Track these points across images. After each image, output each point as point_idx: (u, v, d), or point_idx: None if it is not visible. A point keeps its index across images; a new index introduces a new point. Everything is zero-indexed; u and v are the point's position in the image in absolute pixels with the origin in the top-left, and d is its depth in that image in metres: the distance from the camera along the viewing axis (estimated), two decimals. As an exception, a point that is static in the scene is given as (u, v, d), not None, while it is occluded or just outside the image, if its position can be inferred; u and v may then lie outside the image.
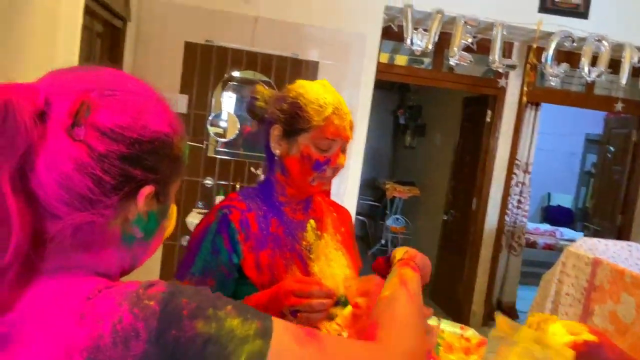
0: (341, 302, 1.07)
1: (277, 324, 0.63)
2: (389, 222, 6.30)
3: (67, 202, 0.59)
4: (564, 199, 8.10)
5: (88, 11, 2.81)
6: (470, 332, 1.10)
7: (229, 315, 0.60)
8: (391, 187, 6.24)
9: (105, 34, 3.43)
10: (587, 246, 3.14)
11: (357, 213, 7.08)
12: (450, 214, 5.11)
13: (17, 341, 0.58)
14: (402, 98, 7.43)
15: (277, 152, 1.21)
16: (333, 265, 1.25)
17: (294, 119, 1.18)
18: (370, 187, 7.42)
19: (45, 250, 0.60)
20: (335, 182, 3.75)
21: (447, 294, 4.92)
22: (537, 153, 7.25)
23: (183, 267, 1.16)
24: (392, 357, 0.70)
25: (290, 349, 0.61)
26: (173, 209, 0.73)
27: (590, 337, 0.91)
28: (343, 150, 1.22)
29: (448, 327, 1.12)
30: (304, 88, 1.20)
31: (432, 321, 1.12)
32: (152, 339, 0.56)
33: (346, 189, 3.90)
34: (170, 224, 0.73)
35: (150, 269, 3.73)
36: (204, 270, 1.14)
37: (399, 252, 1.05)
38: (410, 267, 0.96)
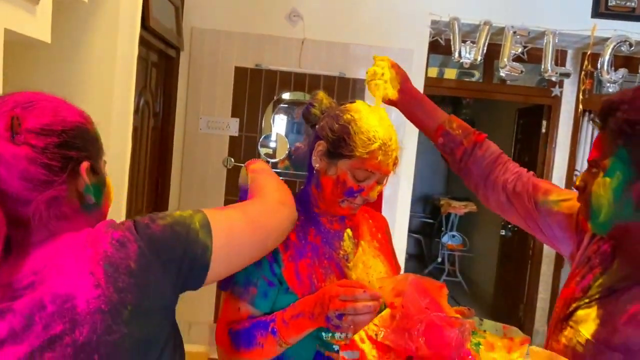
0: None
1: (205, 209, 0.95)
2: (445, 239, 6.17)
3: (31, 188, 0.79)
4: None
5: (143, 42, 2.96)
6: (514, 331, 1.08)
7: (172, 213, 0.91)
8: (446, 203, 6.13)
9: (159, 64, 3.59)
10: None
11: (412, 231, 7.00)
12: (508, 229, 4.95)
13: (42, 282, 0.78)
14: (454, 112, 7.33)
15: (316, 166, 1.23)
16: (371, 272, 1.26)
17: (340, 143, 1.19)
18: (425, 204, 7.31)
19: (30, 227, 0.81)
20: (386, 198, 3.74)
21: (508, 313, 4.75)
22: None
23: (226, 278, 1.17)
24: (270, 202, 1.07)
25: (217, 211, 0.97)
26: (108, 180, 0.94)
27: None
28: (380, 182, 1.22)
29: (490, 327, 1.10)
30: (359, 114, 1.20)
31: (474, 320, 1.10)
32: (138, 238, 0.84)
33: (397, 205, 3.87)
34: (111, 194, 0.95)
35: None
36: (246, 280, 1.17)
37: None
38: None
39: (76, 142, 0.83)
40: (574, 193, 1.08)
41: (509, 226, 4.95)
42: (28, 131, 0.78)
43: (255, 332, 1.12)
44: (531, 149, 4.57)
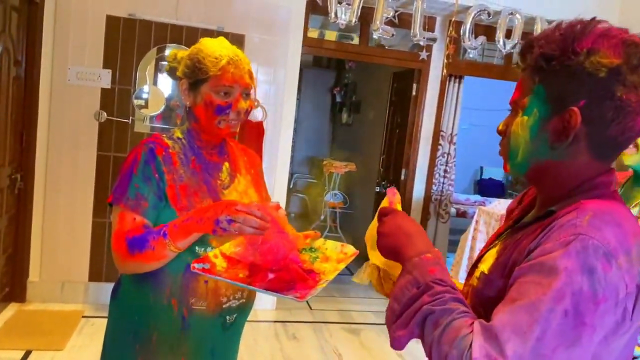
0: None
1: None
2: (328, 197, 6.43)
3: None
4: (496, 172, 8.47)
5: (-2, -18, 2.74)
6: (349, 248, 1.25)
7: None
8: (328, 163, 6.35)
9: (21, 8, 3.34)
10: (501, 206, 3.34)
11: (297, 191, 7.20)
12: (382, 186, 5.28)
13: None
14: (338, 76, 7.53)
15: (187, 103, 1.39)
16: (244, 199, 1.42)
17: (195, 72, 1.34)
18: (310, 165, 7.52)
19: None
20: (266, 156, 3.82)
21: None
22: (470, 129, 7.57)
23: (117, 193, 1.30)
24: None
25: None
26: None
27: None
28: (246, 96, 1.37)
29: (331, 246, 1.29)
30: (202, 44, 1.37)
31: (319, 242, 1.27)
32: None
33: (277, 163, 3.97)
34: None
35: (81, 246, 3.70)
36: (138, 194, 1.29)
37: None
38: None
39: None
40: None
41: (383, 183, 5.27)
42: None
43: (148, 236, 1.24)
44: (403, 111, 4.87)
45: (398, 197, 1.10)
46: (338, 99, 7.46)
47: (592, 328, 0.74)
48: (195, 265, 1.12)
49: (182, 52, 1.41)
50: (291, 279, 1.09)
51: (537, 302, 0.74)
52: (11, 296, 3.61)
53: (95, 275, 3.74)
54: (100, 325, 3.44)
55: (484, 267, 0.95)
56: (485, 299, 0.90)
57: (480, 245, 3.04)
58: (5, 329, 3.28)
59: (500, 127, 0.96)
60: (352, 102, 7.11)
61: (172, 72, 1.44)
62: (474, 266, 1.03)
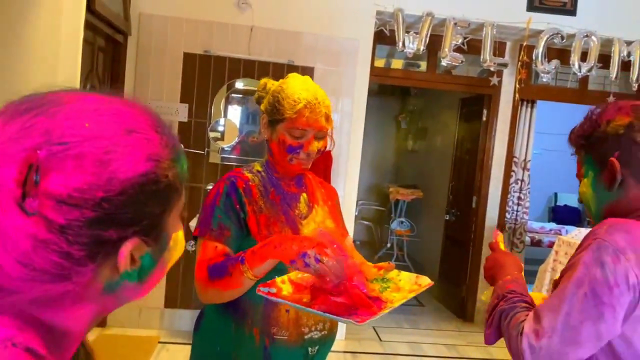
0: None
1: None
2: (394, 225, 6.36)
3: (28, 278, 0.50)
4: (571, 199, 8.10)
5: (89, 26, 2.95)
6: (423, 279, 1.23)
7: None
8: (394, 190, 6.31)
9: (107, 48, 3.57)
10: (581, 235, 3.18)
11: (363, 218, 7.17)
12: (451, 214, 5.17)
13: None
14: (403, 103, 7.52)
15: (265, 137, 1.45)
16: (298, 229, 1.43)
17: (273, 111, 1.40)
18: (375, 192, 7.49)
19: None
20: (334, 185, 3.84)
21: (452, 293, 4.96)
22: (543, 154, 7.31)
23: (203, 226, 1.35)
24: None
25: None
26: (177, 237, 0.61)
27: None
28: (319, 138, 1.41)
29: (405, 277, 1.28)
30: (286, 83, 1.41)
31: (393, 273, 1.25)
32: None
33: (344, 192, 3.98)
34: (175, 253, 0.62)
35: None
36: (221, 224, 1.34)
37: None
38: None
39: (123, 214, 0.52)
40: None
41: (452, 210, 5.16)
42: (47, 195, 0.48)
43: (227, 263, 1.27)
44: (473, 137, 4.78)
45: (501, 236, 1.36)
46: (403, 126, 7.43)
47: (612, 307, 1.00)
48: (261, 288, 1.15)
49: (272, 83, 1.46)
50: (353, 304, 1.09)
51: (564, 289, 1.03)
52: (93, 321, 3.78)
53: (170, 301, 3.85)
54: (175, 351, 3.53)
55: None
56: None
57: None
58: (88, 353, 3.43)
59: (578, 199, 1.29)
60: (418, 129, 7.06)
61: (259, 100, 1.48)
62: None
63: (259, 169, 1.46)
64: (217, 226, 1.33)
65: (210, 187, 3.75)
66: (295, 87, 1.38)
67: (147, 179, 0.53)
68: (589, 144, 1.19)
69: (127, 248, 0.53)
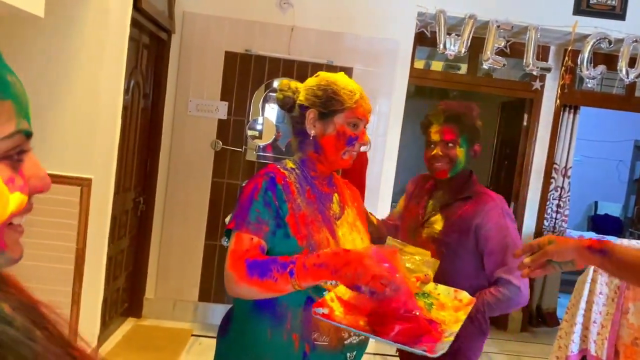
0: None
1: None
2: (428, 229, 6.31)
3: None
4: (612, 208, 7.87)
5: (135, 24, 3.02)
6: (463, 294, 1.20)
7: None
8: (430, 194, 6.25)
9: (151, 46, 3.65)
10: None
11: (397, 220, 7.12)
12: (488, 220, 5.08)
13: None
14: (441, 106, 7.44)
15: (312, 132, 1.40)
16: (354, 231, 1.44)
17: (330, 102, 1.38)
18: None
19: None
20: (369, 187, 3.83)
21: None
22: (583, 161, 7.12)
23: (239, 219, 1.30)
24: None
25: None
26: None
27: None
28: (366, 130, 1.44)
29: (443, 291, 1.22)
30: (332, 77, 1.42)
31: (429, 286, 1.22)
32: None
33: (379, 194, 3.97)
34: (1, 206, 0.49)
35: (193, 267, 3.90)
36: (259, 218, 1.30)
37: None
38: None
39: None
40: None
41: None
42: None
43: (271, 266, 1.22)
44: (513, 142, 4.69)
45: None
46: (441, 129, 7.35)
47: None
48: (317, 309, 1.14)
49: (296, 83, 1.46)
50: (416, 330, 1.07)
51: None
52: (129, 311, 3.87)
53: (204, 295, 3.92)
54: (207, 345, 3.58)
55: (438, 226, 1.80)
56: None
57: (600, 287, 2.82)
58: (124, 342, 3.51)
59: (441, 153, 1.83)
60: (456, 132, 6.98)
61: (286, 101, 1.45)
62: (421, 226, 1.86)
63: (292, 166, 1.43)
64: (255, 220, 1.30)
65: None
66: (345, 80, 1.40)
67: None
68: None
69: None
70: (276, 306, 1.29)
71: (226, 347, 1.41)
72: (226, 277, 1.27)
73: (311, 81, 1.43)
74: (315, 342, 1.31)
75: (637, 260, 1.14)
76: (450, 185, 1.85)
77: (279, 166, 1.42)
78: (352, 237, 1.43)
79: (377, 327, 1.10)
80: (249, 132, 3.76)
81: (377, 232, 1.82)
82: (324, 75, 1.43)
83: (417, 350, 1.02)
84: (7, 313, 0.38)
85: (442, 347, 1.02)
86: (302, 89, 1.43)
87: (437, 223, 1.78)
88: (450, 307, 1.20)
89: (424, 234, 1.79)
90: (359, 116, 1.38)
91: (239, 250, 1.27)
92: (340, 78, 1.41)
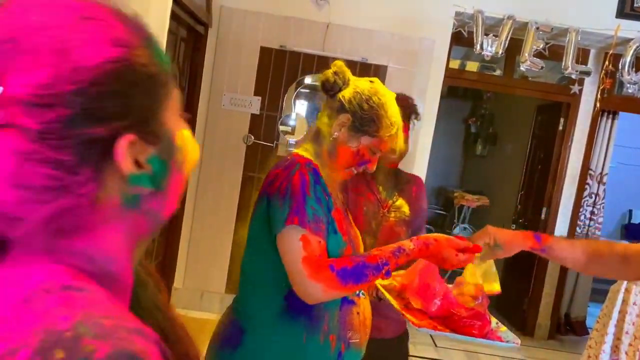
0: None
1: None
2: (456, 231, 6.23)
3: (26, 200, 0.45)
4: (647, 217, 7.66)
5: (174, 17, 3.07)
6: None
7: None
8: (459, 195, 6.18)
9: (188, 39, 3.70)
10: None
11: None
12: (518, 224, 5.01)
13: None
14: (474, 106, 7.33)
15: (335, 134, 1.31)
16: (354, 226, 1.44)
17: (368, 122, 1.30)
18: (439, 196, 7.37)
19: (7, 254, 0.48)
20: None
21: (514, 306, 4.82)
22: (619, 168, 6.94)
23: (299, 215, 1.19)
24: None
25: None
26: (184, 135, 0.54)
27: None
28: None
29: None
30: (385, 98, 1.33)
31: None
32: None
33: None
34: (188, 153, 0.55)
35: (221, 258, 3.95)
36: (316, 216, 1.21)
37: None
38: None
39: (104, 107, 0.46)
40: None
41: (520, 221, 5.00)
42: (11, 101, 0.43)
43: (364, 270, 1.20)
44: (548, 146, 4.61)
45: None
46: (473, 130, 7.25)
47: None
48: (418, 329, 1.29)
49: (349, 73, 1.34)
50: (485, 325, 1.24)
51: None
52: (158, 300, 3.94)
53: (231, 287, 3.96)
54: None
55: (405, 209, 1.88)
56: None
57: (635, 298, 2.75)
58: (152, 330, 3.58)
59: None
60: (489, 134, 6.88)
61: (332, 87, 1.33)
62: (388, 212, 1.85)
63: (311, 158, 1.31)
64: (312, 218, 1.20)
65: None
66: (395, 109, 1.33)
67: (120, 66, 0.47)
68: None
69: (121, 146, 0.47)
70: (313, 309, 1.23)
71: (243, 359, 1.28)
72: (308, 287, 1.18)
73: (363, 86, 1.33)
74: (350, 341, 1.30)
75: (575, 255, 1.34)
76: (395, 170, 1.96)
77: (304, 155, 1.32)
78: (354, 230, 1.42)
79: (456, 328, 1.26)
80: (281, 128, 3.79)
81: None
82: (378, 87, 1.34)
83: (510, 344, 1.16)
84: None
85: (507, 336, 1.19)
86: (352, 87, 1.32)
87: (404, 207, 1.86)
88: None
89: (392, 218, 1.84)
90: (383, 149, 1.34)
91: (313, 256, 1.18)
92: (390, 102, 1.33)
